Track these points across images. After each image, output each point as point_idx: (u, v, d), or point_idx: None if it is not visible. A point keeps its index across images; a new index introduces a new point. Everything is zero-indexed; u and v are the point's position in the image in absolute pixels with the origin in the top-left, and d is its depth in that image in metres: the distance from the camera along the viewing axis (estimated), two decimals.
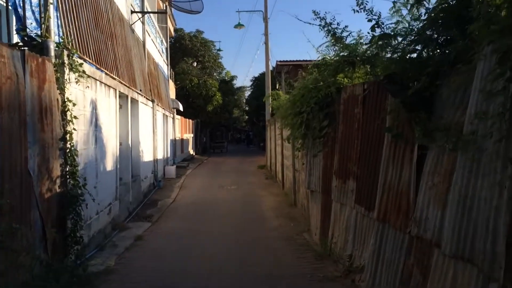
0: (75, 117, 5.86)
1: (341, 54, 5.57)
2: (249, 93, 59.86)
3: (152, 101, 15.22)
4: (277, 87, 25.19)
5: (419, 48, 4.44)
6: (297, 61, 33.61)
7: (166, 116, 21.00)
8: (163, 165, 18.54)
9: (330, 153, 6.80)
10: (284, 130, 12.43)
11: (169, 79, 25.17)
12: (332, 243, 6.63)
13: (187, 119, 32.97)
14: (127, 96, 10.51)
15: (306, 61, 31.62)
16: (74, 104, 5.86)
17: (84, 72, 6.13)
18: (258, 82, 50.28)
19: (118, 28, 10.52)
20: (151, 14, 17.69)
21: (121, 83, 9.85)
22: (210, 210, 10.86)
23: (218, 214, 10.37)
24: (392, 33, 4.15)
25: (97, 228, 7.40)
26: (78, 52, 6.51)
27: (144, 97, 13.70)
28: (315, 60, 7.95)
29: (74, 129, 5.85)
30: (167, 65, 24.65)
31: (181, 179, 17.95)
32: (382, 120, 5.11)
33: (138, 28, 14.31)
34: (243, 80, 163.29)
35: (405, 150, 4.63)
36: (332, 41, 5.59)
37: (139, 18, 13.67)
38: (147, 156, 13.84)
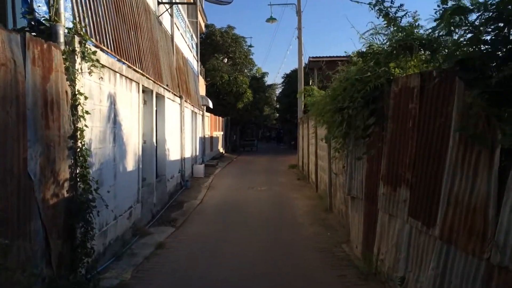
0: (87, 112, 5.20)
1: (395, 38, 4.64)
2: (280, 90, 59.14)
3: (180, 97, 14.61)
4: (310, 84, 24.15)
5: (500, 26, 3.50)
6: (331, 57, 32.38)
7: (195, 113, 20.42)
8: (191, 164, 17.96)
9: (376, 155, 5.88)
10: (319, 128, 11.52)
11: (199, 75, 24.62)
12: (378, 260, 5.72)
13: (217, 117, 32.43)
14: (151, 91, 9.87)
15: (341, 57, 30.44)
16: (86, 98, 5.19)
17: (98, 61, 5.46)
18: (290, 79, 49.24)
19: (143, 19, 9.89)
20: (180, 8, 17.09)
21: (145, 76, 9.21)
22: (238, 214, 10.10)
23: (247, 219, 9.59)
24: (471, 6, 3.22)
25: (115, 235, 6.76)
26: (93, 40, 5.85)
27: (171, 92, 13.09)
28: (351, 55, 7.09)
29: (86, 125, 5.18)
30: (197, 61, 24.09)
31: (210, 179, 17.31)
32: (447, 117, 4.18)
33: (166, 20, 13.70)
34: (274, 77, 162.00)
35: (481, 154, 3.69)
36: (385, 22, 4.68)
37: (167, 10, 13.05)
38: (173, 154, 13.24)
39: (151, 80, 9.85)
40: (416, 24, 4.80)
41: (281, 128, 69.06)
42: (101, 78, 5.97)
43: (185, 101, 15.88)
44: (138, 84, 8.43)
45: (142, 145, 9.67)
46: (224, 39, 37.12)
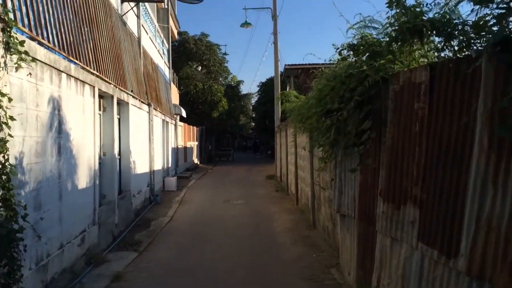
0: (12, 118, 4.07)
1: (400, 21, 3.73)
2: (255, 99, 58.33)
3: (148, 104, 13.48)
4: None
5: None
6: (307, 64, 31.75)
7: (167, 122, 19.27)
8: (162, 177, 16.76)
9: (373, 166, 4.96)
10: (299, 136, 10.60)
11: (171, 83, 23.49)
12: None
13: (191, 126, 31.27)
14: (112, 97, 8.75)
15: (318, 64, 29.90)
16: (10, 99, 4.07)
17: (27, 54, 4.34)
18: (265, 87, 48.47)
19: (102, 15, 8.79)
20: (150, 11, 16.02)
21: (103, 79, 8.10)
22: (212, 234, 9.02)
23: (221, 240, 8.53)
24: None
25: (60, 268, 5.59)
26: (26, 30, 4.75)
27: (138, 99, 11.95)
28: (329, 63, 6.27)
29: (10, 135, 4.05)
30: (169, 68, 22.97)
31: (182, 192, 16.14)
32: (470, 116, 3.29)
33: (132, 22, 12.61)
34: (250, 86, 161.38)
35: None
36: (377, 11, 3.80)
37: (131, 8, 11.95)
38: (141, 167, 12.07)
39: (111, 84, 8.73)
40: (422, 7, 3.92)
41: (257, 138, 68.26)
42: (41, 78, 4.85)
43: (154, 109, 14.74)
44: (93, 87, 7.31)
45: (102, 157, 8.53)
46: (198, 46, 36.08)
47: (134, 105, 11.19)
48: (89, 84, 7.03)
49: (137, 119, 11.59)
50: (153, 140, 13.76)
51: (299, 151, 11.64)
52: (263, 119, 45.04)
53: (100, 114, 8.51)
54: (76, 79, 6.40)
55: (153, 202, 13.25)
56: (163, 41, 20.96)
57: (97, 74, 7.65)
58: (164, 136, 18.22)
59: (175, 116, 23.10)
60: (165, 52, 22.30)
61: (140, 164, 11.89)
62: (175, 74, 30.20)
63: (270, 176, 22.15)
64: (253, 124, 71.52)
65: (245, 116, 59.34)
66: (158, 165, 15.45)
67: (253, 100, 59.37)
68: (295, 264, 6.71)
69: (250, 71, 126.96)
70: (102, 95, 8.49)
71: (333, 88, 5.36)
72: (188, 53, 35.48)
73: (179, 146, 23.52)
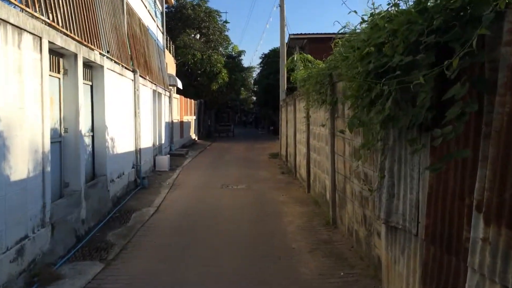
0: None
1: None
2: (257, 73, 55.74)
3: (134, 71, 11.41)
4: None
5: None
6: (313, 34, 29.45)
7: (159, 93, 17.21)
8: (153, 155, 14.83)
9: (462, 159, 3.00)
10: (315, 111, 8.59)
11: (165, 50, 21.29)
12: None
13: (188, 99, 29.19)
14: (75, 56, 6.70)
15: (325, 34, 27.43)
16: None
17: None
18: (268, 59, 45.91)
19: None
20: None
21: (58, 30, 6.04)
22: (206, 234, 7.13)
23: (217, 242, 6.65)
24: None
25: None
26: None
27: (119, 64, 9.90)
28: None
29: None
30: (163, 33, 20.75)
31: (175, 173, 14.24)
32: None
33: None
34: (251, 59, 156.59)
35: None
36: None
37: None
38: (123, 145, 10.11)
39: (74, 38, 6.68)
40: None
41: (259, 113, 66.06)
42: None
43: (142, 77, 12.68)
44: (40, 39, 5.26)
45: (63, 135, 6.56)
46: (196, 12, 33.56)
47: (113, 70, 9.14)
48: (30, 32, 4.99)
49: (117, 88, 9.56)
50: (140, 113, 11.75)
51: (313, 129, 9.65)
52: (265, 93, 42.82)
53: (59, 78, 6.50)
54: (3, 21, 4.36)
55: (140, 186, 11.36)
56: (155, 1, 18.67)
57: (48, 21, 5.59)
58: (156, 109, 16.20)
59: (170, 87, 21.03)
60: (158, 15, 20.05)
61: (122, 142, 9.93)
62: (171, 42, 27.94)
63: (274, 154, 20.25)
64: (255, 98, 69.24)
65: (246, 89, 57.12)
66: (146, 143, 13.50)
67: (255, 74, 57.05)
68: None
69: (251, 43, 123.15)
70: (60, 53, 6.46)
71: (394, 33, 3.34)
72: (185, 19, 33.02)
73: (174, 121, 21.53)
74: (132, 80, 11.30)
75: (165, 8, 25.78)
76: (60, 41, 5.98)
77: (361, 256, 5.57)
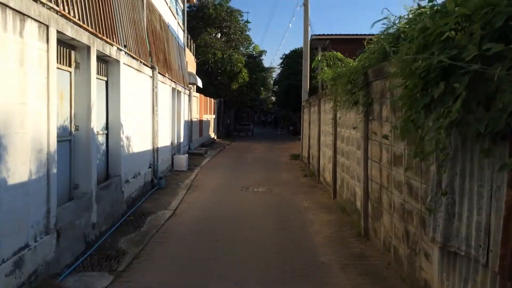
0: None
1: None
2: (277, 73, 55.03)
3: (152, 68, 10.93)
4: (312, 65, 20.53)
5: None
6: (336, 35, 28.62)
7: (179, 92, 16.76)
8: (171, 154, 14.36)
9: None
10: (345, 112, 7.94)
11: (186, 48, 20.88)
12: None
13: (208, 98, 28.75)
14: (88, 49, 6.21)
15: (348, 35, 26.51)
16: None
17: None
18: (289, 60, 45.30)
19: None
20: None
21: (69, 19, 5.55)
22: (225, 243, 6.54)
23: (238, 254, 6.06)
24: None
25: None
26: None
27: (137, 59, 9.42)
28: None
29: None
30: (184, 31, 20.33)
31: (193, 173, 13.74)
32: None
33: None
34: (271, 60, 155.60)
35: None
36: None
37: None
38: (140, 144, 9.64)
39: (86, 29, 6.18)
40: None
41: (279, 113, 65.34)
42: None
43: (161, 74, 12.22)
44: (46, 27, 4.76)
45: (73, 133, 6.08)
46: (218, 12, 33.11)
47: (130, 66, 8.65)
48: (35, 19, 4.49)
49: (134, 85, 9.08)
50: (158, 111, 11.27)
51: (340, 132, 8.98)
52: (286, 93, 42.14)
53: (69, 72, 6.02)
54: (2, 5, 3.86)
55: (156, 186, 10.88)
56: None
57: (56, 8, 5.09)
58: (175, 107, 15.74)
59: (189, 85, 20.59)
60: (180, 13, 19.64)
61: (138, 140, 9.46)
62: (191, 41, 27.56)
63: (295, 156, 19.59)
64: (274, 98, 68.52)
65: (266, 90, 56.46)
66: (164, 141, 13.03)
67: (274, 74, 56.28)
68: None
69: (272, 43, 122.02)
70: (71, 45, 5.97)
71: (468, 18, 2.68)
72: (206, 19, 32.61)
73: (193, 119, 21.08)
74: (151, 77, 10.82)
75: (187, 7, 25.37)
76: (71, 31, 5.48)
77: (401, 276, 4.90)
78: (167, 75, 13.47)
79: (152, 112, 10.92)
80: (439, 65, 2.78)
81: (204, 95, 27.77)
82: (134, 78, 9.10)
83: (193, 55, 27.98)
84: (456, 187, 3.26)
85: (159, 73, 11.66)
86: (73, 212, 5.67)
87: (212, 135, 30.59)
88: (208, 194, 10.53)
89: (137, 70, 9.36)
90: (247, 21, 35.78)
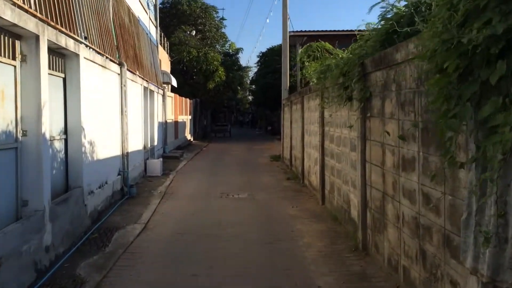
0: None
1: None
2: (254, 72, 54.14)
3: (120, 64, 9.92)
4: (298, 58, 19.78)
5: None
6: (314, 31, 27.94)
7: (152, 91, 15.72)
8: (143, 159, 13.33)
9: None
10: (335, 109, 7.17)
11: (159, 45, 19.81)
12: None
13: (184, 98, 27.69)
14: (36, 38, 5.22)
15: (327, 31, 25.94)
16: None
17: None
18: (266, 58, 44.53)
19: None
20: None
21: (10, 1, 4.56)
22: (206, 263, 5.64)
23: (222, 276, 5.18)
24: None
25: None
26: None
27: (101, 54, 8.42)
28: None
29: None
30: (156, 27, 19.27)
31: (168, 179, 12.76)
32: None
33: None
34: (248, 58, 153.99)
35: None
36: None
37: None
38: (106, 149, 8.64)
39: (34, 14, 5.19)
40: None
41: (256, 112, 64.57)
42: None
43: (131, 72, 11.21)
44: None
45: (20, 139, 5.08)
46: (192, 8, 32.05)
47: (93, 61, 7.65)
48: None
49: (98, 82, 8.08)
50: (127, 112, 10.25)
51: (329, 131, 8.20)
52: (263, 92, 41.34)
53: (14, 66, 5.01)
54: None
55: (127, 195, 9.87)
56: None
57: None
58: (148, 107, 14.72)
59: (163, 85, 19.55)
60: (151, 7, 18.55)
61: (104, 145, 8.46)
62: (165, 39, 26.46)
63: (275, 157, 18.80)
64: (251, 98, 67.57)
65: (243, 89, 55.49)
66: (136, 145, 12.01)
67: (251, 74, 55.33)
68: None
69: (248, 42, 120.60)
70: (15, 33, 4.97)
71: None
72: (180, 15, 31.54)
73: (168, 121, 20.04)
74: (118, 74, 9.81)
75: (160, 3, 24.35)
76: (11, 15, 4.49)
77: None
78: (137, 73, 12.45)
79: (120, 113, 9.91)
80: (506, 36, 1.98)
81: (180, 95, 26.71)
82: (98, 75, 8.10)
83: (167, 53, 26.89)
84: (511, 203, 2.48)
85: (128, 70, 10.64)
86: (19, 235, 4.67)
87: (189, 136, 29.52)
88: (184, 202, 9.59)
89: (102, 66, 8.35)
90: (223, 18, 34.92)
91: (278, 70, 41.16)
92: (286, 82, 18.38)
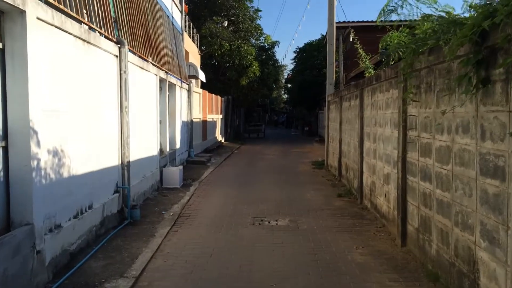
0: None
1: None
2: (290, 69, 51.20)
3: (119, 42, 7.35)
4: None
5: None
6: (359, 22, 24.78)
7: (172, 84, 13.22)
8: (158, 166, 10.78)
9: None
10: (438, 102, 4.24)
11: (184, 32, 17.30)
12: None
13: (214, 95, 25.21)
14: None
15: (374, 22, 22.72)
16: None
17: None
18: (303, 54, 41.64)
19: None
20: None
21: None
22: None
23: None
24: None
25: None
26: None
27: (77, 19, 5.86)
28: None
29: None
30: (181, 11, 16.78)
31: (188, 193, 10.16)
32: None
33: None
34: (283, 55, 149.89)
35: None
36: None
37: None
38: (91, 159, 6.08)
39: None
40: None
41: (291, 112, 61.59)
42: None
43: (141, 57, 8.69)
44: None
45: None
46: None
47: (60, 28, 5.07)
48: None
49: (73, 62, 5.52)
50: (128, 108, 7.68)
51: (419, 137, 5.27)
52: (299, 90, 38.46)
53: None
54: None
55: (127, 220, 7.31)
56: None
57: None
58: (167, 103, 12.20)
59: (189, 79, 17.04)
60: None
61: (86, 153, 5.90)
62: (194, 30, 24.03)
63: (318, 163, 15.92)
64: (286, 97, 64.53)
65: (278, 87, 52.64)
66: (146, 150, 9.47)
67: (286, 73, 52.32)
68: None
69: (284, 37, 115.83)
70: None
71: None
72: (212, 5, 28.98)
73: (194, 120, 17.52)
74: (116, 56, 7.25)
75: None
76: None
77: None
78: (150, 60, 9.91)
79: (119, 109, 7.35)
80: None
81: (210, 92, 24.24)
82: (75, 52, 5.54)
83: (197, 46, 24.45)
84: None
85: (132, 52, 8.10)
86: None
87: (219, 137, 27.01)
88: (202, 232, 6.92)
89: (82, 39, 5.78)
90: (258, 9, 32.10)
91: (316, 66, 38.34)
92: (332, 74, 15.45)
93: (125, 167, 7.49)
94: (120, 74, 7.33)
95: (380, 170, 7.40)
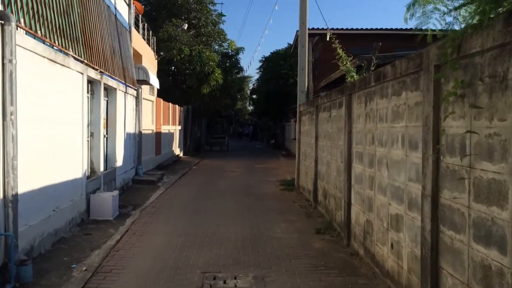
0: None
1: None
2: (254, 81, 49.20)
3: (2, 17, 4.91)
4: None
5: None
6: (332, 29, 23.14)
7: (112, 89, 10.74)
8: (84, 192, 8.24)
9: None
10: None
11: (132, 29, 14.83)
12: None
13: (171, 104, 22.73)
14: None
15: (344, 30, 20.88)
16: None
17: None
18: (269, 63, 39.78)
19: None
20: None
21: None
22: None
23: None
24: None
25: None
26: None
27: None
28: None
29: None
30: (129, 5, 14.33)
31: (121, 228, 7.69)
32: None
33: None
34: (247, 66, 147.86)
35: None
36: None
37: None
38: None
39: None
40: None
41: (257, 123, 59.51)
42: None
43: (51, 44, 6.23)
44: None
45: None
46: None
47: None
48: None
49: None
50: (16, 115, 5.19)
51: (485, 173, 3.13)
52: (265, 100, 36.48)
53: None
54: None
55: (10, 285, 4.81)
56: None
57: None
58: (99, 111, 9.68)
59: (137, 84, 14.57)
60: None
61: None
62: (151, 33, 21.57)
63: (287, 183, 13.77)
64: (251, 108, 62.44)
65: (242, 99, 50.52)
66: (61, 172, 6.95)
67: (251, 84, 50.26)
68: None
69: (249, 45, 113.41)
70: None
71: None
72: (171, 7, 26.62)
73: (144, 132, 15.00)
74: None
75: None
76: None
77: None
78: (71, 53, 7.45)
79: (0, 117, 4.87)
80: None
81: (168, 101, 21.76)
82: None
83: (153, 50, 21.97)
84: None
85: (40, 38, 5.66)
86: None
87: (177, 151, 24.45)
88: None
89: None
90: (221, 14, 29.98)
91: (283, 76, 36.45)
92: (303, 81, 13.42)
93: (9, 203, 4.99)
94: (3, 64, 4.88)
95: (382, 207, 5.25)
